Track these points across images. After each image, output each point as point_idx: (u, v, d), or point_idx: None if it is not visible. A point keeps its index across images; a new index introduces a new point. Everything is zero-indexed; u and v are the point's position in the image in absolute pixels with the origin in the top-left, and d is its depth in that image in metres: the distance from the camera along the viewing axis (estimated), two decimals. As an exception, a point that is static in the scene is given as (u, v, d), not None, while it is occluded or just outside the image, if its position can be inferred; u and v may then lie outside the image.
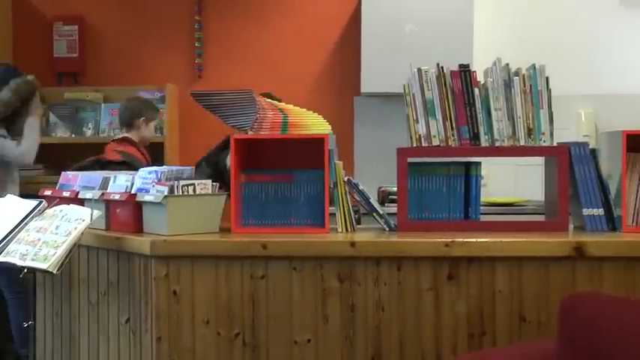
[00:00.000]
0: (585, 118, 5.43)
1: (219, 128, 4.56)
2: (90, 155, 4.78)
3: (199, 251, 2.84)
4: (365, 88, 5.26)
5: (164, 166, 3.19)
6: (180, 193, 2.95)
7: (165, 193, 2.90)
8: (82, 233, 2.88)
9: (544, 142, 3.02)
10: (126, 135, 4.79)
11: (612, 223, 2.95)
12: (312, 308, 2.79)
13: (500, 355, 2.44)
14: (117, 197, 3.04)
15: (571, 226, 3.05)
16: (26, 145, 4.55)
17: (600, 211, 2.95)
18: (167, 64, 5.73)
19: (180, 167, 3.10)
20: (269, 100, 3.23)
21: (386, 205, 4.78)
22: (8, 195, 3.29)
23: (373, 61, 5.20)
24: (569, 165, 2.97)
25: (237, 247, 2.83)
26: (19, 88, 4.59)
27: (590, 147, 2.99)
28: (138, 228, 3.00)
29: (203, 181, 3.04)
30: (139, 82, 5.64)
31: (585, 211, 2.96)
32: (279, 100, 4.67)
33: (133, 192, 3.03)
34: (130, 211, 3.01)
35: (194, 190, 2.99)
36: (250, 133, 3.08)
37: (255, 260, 2.81)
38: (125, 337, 2.96)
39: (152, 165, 4.52)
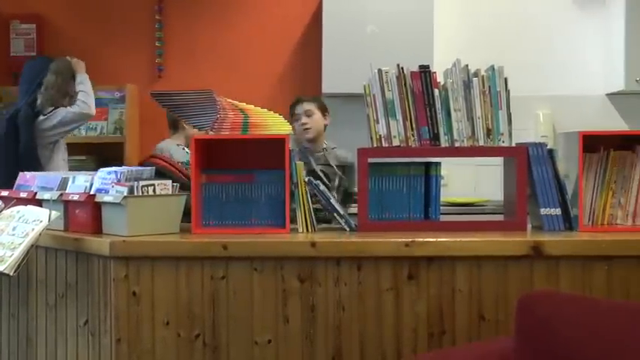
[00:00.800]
0: (543, 118, 5.50)
1: (179, 128, 4.50)
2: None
3: (159, 252, 2.82)
4: (326, 88, 5.27)
5: (124, 167, 3.16)
6: (140, 194, 2.93)
7: (125, 194, 2.88)
8: (40, 234, 2.85)
9: (503, 142, 3.05)
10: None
11: (569, 222, 2.99)
12: (273, 309, 2.79)
13: (458, 354, 2.46)
14: (75, 198, 3.01)
15: (529, 226, 3.08)
16: (81, 97, 4.46)
17: (557, 211, 2.99)
18: (127, 63, 5.69)
19: (140, 168, 3.08)
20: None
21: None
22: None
23: (334, 61, 5.22)
24: (527, 165, 3.01)
25: (197, 248, 2.82)
26: (59, 68, 4.52)
27: (548, 147, 3.03)
28: (97, 229, 2.97)
29: (163, 181, 3.03)
30: (98, 81, 5.54)
31: (543, 211, 2.99)
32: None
33: (92, 192, 3.00)
34: (89, 212, 2.98)
35: (154, 190, 2.97)
36: (211, 133, 3.07)
37: (215, 261, 2.80)
38: (84, 339, 2.94)
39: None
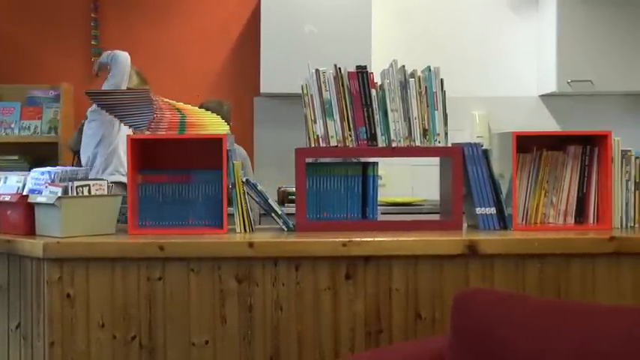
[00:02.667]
0: (479, 119, 5.58)
1: (115, 128, 4.45)
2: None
3: (94, 253, 2.78)
4: (264, 88, 5.27)
5: (58, 167, 3.11)
6: (75, 194, 2.88)
7: (59, 194, 2.84)
8: (-30, 236, 2.78)
9: (439, 142, 3.08)
10: None
11: (503, 221, 3.04)
12: (210, 309, 2.77)
13: (395, 353, 2.48)
14: (7, 199, 2.95)
15: (465, 225, 3.12)
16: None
17: (492, 210, 3.04)
18: (62, 62, 5.59)
19: (75, 168, 3.03)
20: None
21: (286, 205, 4.79)
22: None
23: (272, 61, 5.21)
24: (462, 165, 3.05)
25: (133, 249, 2.79)
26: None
27: (483, 148, 3.07)
28: (29, 230, 2.91)
29: (98, 182, 2.99)
30: (32, 80, 5.49)
31: (478, 210, 3.04)
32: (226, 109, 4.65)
33: (24, 193, 2.94)
34: (22, 213, 2.92)
35: (89, 191, 2.93)
36: (147, 133, 3.04)
37: (152, 262, 2.77)
38: (15, 343, 2.87)
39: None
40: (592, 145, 3.07)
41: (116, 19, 5.63)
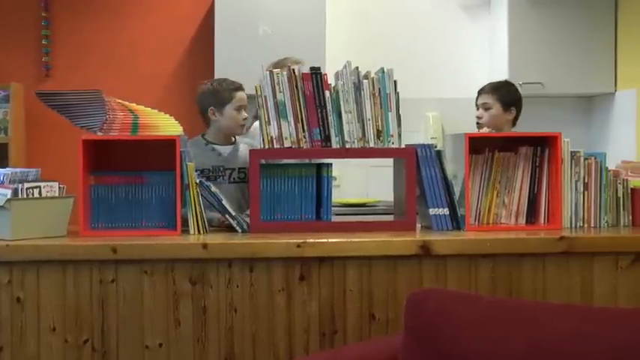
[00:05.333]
0: (433, 120, 5.63)
1: (68, 128, 4.41)
2: None
3: (45, 256, 2.74)
4: (219, 89, 5.23)
5: (8, 168, 3.06)
6: (25, 196, 2.84)
7: (9, 196, 2.79)
8: None
9: (392, 143, 3.10)
10: None
11: (456, 222, 3.07)
12: (164, 312, 2.76)
13: (349, 353, 2.48)
14: (-45, 201, 2.89)
15: (418, 226, 3.15)
16: None
17: (445, 211, 3.07)
18: (11, 61, 5.49)
19: (25, 169, 2.99)
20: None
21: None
22: None
23: (227, 62, 5.19)
24: (416, 166, 3.07)
25: (85, 251, 2.76)
26: None
27: (436, 149, 3.10)
28: (-22, 233, 2.86)
29: (49, 183, 2.95)
30: (-20, 80, 5.39)
31: (431, 211, 3.06)
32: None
33: (-27, 195, 2.89)
34: (-30, 216, 2.87)
35: (40, 192, 2.89)
36: (99, 134, 3.01)
37: (104, 264, 2.74)
38: (-35, 348, 2.82)
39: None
40: (543, 146, 3.12)
41: (67, 18, 5.55)
